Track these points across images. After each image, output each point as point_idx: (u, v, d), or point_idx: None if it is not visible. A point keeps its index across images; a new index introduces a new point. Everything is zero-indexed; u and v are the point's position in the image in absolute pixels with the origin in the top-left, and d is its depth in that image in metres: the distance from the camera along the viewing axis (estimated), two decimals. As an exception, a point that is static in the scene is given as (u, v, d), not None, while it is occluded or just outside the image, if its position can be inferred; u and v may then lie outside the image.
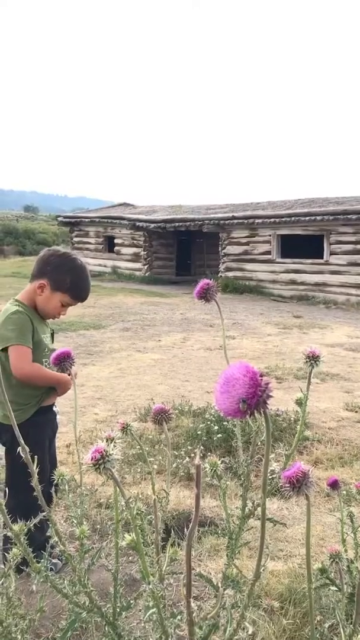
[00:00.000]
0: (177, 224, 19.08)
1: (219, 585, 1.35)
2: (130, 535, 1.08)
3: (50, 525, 1.34)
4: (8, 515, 1.21)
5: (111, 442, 1.06)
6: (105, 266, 22.13)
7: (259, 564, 0.93)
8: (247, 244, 17.52)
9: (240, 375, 0.74)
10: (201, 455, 3.86)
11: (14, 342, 2.28)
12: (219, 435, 4.07)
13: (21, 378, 2.28)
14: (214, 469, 1.40)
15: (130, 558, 2.63)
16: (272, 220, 16.44)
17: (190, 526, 0.79)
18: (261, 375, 0.75)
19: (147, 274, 20.26)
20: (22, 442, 1.19)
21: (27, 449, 1.21)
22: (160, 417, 1.56)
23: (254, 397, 0.74)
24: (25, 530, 1.21)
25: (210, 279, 1.57)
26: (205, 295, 1.50)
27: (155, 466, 3.61)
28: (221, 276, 17.68)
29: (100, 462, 0.94)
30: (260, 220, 16.82)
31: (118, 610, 1.26)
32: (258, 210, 17.87)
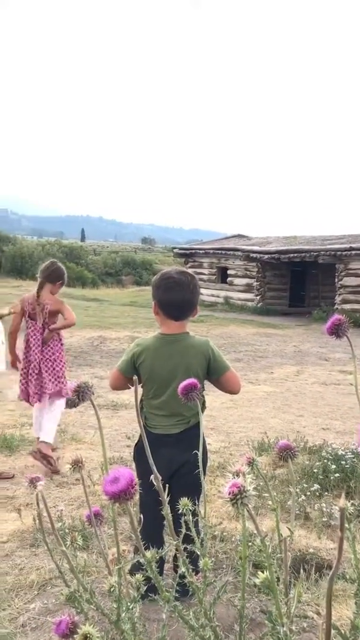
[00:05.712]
0: (291, 255, 18.88)
1: (348, 634, 1.30)
2: (264, 573, 1.07)
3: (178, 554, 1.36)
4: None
5: (244, 477, 1.06)
6: (217, 296, 22.36)
7: None
8: (365, 275, 16.94)
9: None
10: (317, 494, 3.74)
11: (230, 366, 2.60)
12: (337, 474, 3.91)
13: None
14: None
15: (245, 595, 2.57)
16: (394, 251, 15.79)
17: (332, 571, 0.77)
18: None
19: (259, 305, 20.17)
20: (155, 469, 1.23)
21: (160, 477, 1.25)
22: (286, 453, 1.54)
23: None
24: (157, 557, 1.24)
25: (341, 314, 1.54)
26: (337, 331, 1.47)
27: (270, 502, 3.53)
28: (337, 308, 17.15)
29: (238, 497, 0.95)
30: (380, 252, 16.22)
31: (242, 648, 1.24)
32: (378, 241, 17.25)
